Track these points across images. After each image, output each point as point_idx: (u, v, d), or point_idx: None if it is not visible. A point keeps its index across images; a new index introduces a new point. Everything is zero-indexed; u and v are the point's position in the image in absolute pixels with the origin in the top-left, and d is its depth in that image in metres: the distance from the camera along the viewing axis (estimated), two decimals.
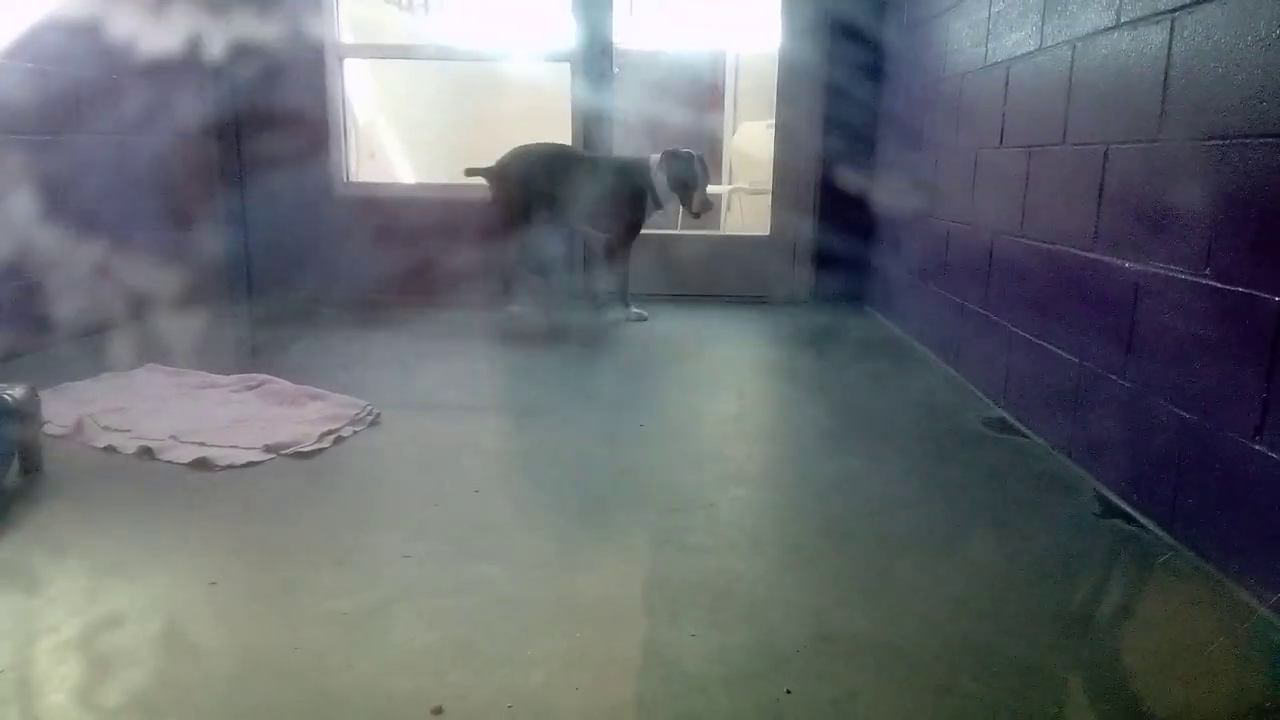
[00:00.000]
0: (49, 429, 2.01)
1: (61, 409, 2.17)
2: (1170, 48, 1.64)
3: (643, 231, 3.63)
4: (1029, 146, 2.25)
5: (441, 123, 5.44)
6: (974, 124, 2.65)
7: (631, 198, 3.44)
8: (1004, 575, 1.51)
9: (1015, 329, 2.31)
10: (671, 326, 3.51)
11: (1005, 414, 2.35)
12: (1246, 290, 1.43)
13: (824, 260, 3.99)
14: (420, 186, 4.45)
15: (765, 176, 4.19)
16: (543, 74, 4.47)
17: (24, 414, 1.81)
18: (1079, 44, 1.99)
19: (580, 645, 1.27)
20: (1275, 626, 1.31)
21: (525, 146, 3.61)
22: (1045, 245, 2.15)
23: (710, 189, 3.48)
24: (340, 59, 3.94)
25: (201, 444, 2.02)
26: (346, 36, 4.00)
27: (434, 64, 5.23)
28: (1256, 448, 1.39)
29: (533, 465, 2.07)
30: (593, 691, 1.16)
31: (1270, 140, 1.38)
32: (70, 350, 2.90)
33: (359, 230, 3.95)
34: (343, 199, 4.00)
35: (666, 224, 3.72)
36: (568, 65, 3.94)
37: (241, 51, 3.69)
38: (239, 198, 3.91)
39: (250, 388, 2.47)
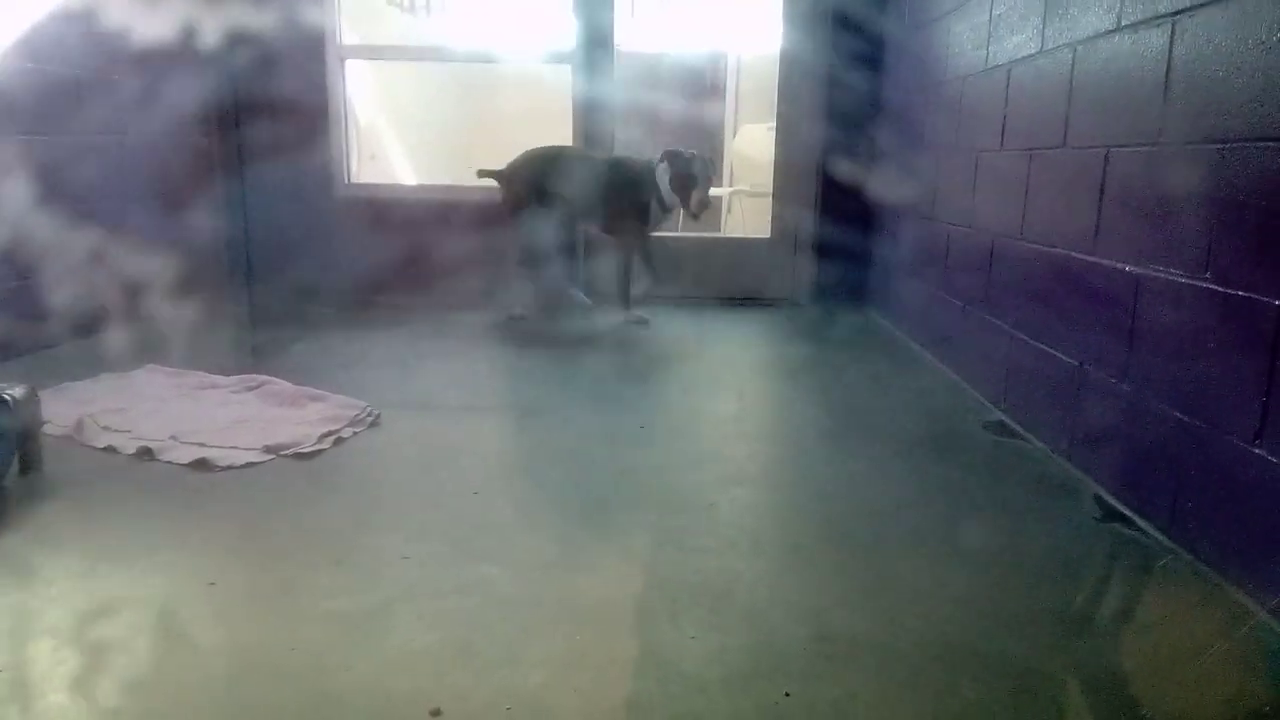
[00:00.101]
0: (49, 429, 2.01)
1: (61, 409, 2.17)
2: (1171, 51, 1.64)
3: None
4: (1029, 149, 2.25)
5: (442, 124, 5.45)
6: (974, 126, 2.65)
7: (637, 201, 3.44)
8: (1003, 577, 1.51)
9: (1015, 331, 2.31)
10: (672, 328, 3.51)
11: (1005, 416, 2.35)
12: (1246, 293, 1.43)
13: (824, 262, 3.99)
14: (421, 188, 4.45)
15: (766, 179, 4.19)
16: (544, 75, 4.47)
17: (24, 414, 1.81)
18: (1080, 47, 1.99)
19: (580, 646, 1.27)
20: (1274, 630, 1.31)
21: (536, 149, 3.63)
22: (1045, 248, 2.15)
23: (710, 191, 3.47)
24: (342, 60, 3.95)
25: (201, 444, 2.02)
26: (348, 37, 4.01)
27: (435, 65, 5.24)
28: (1256, 451, 1.39)
29: (533, 466, 2.08)
30: (592, 693, 1.16)
31: (1270, 144, 1.38)
32: (69, 348, 2.90)
33: (360, 231, 3.95)
34: (343, 200, 4.00)
35: (667, 226, 3.70)
36: (568, 66, 3.94)
37: (240, 47, 3.69)
38: (239, 201, 3.91)
39: (250, 388, 2.47)
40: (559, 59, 3.98)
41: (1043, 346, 2.14)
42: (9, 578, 1.47)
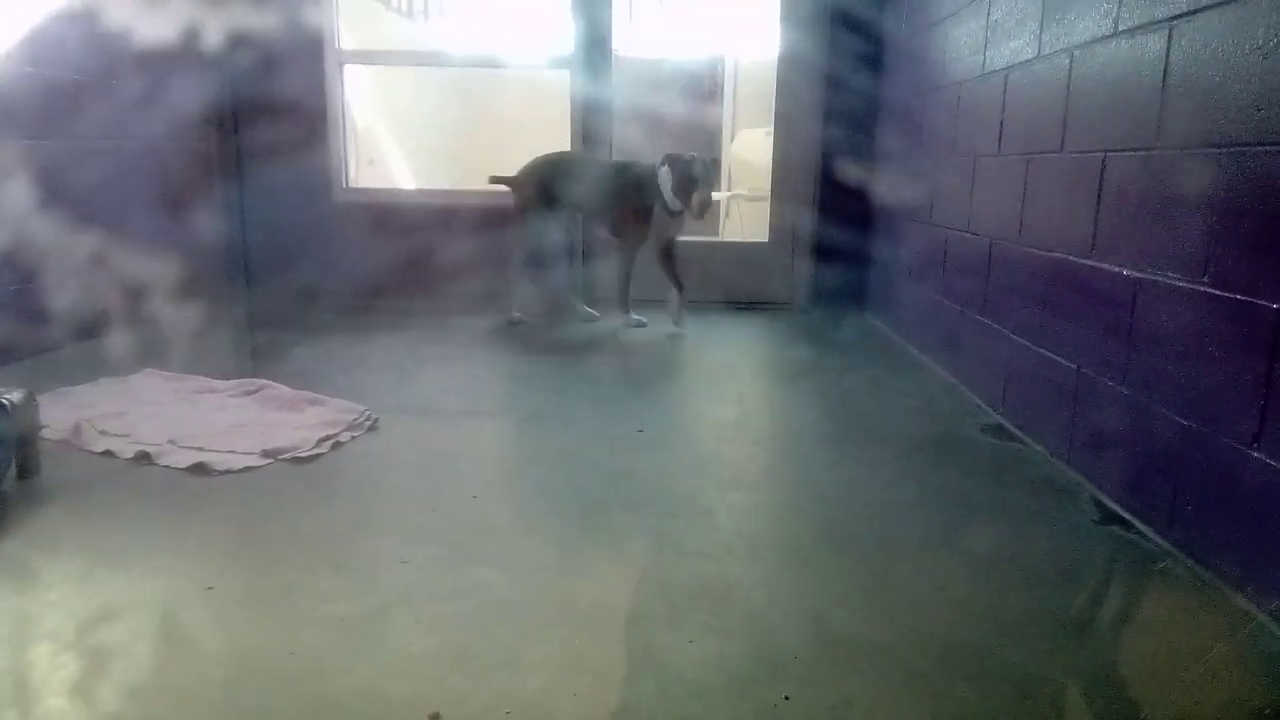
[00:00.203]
0: (47, 433, 2.01)
1: (59, 413, 2.17)
2: (1168, 56, 1.65)
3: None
4: (1027, 154, 2.26)
5: (441, 129, 5.45)
6: (972, 131, 2.65)
7: (641, 205, 3.44)
8: (1002, 581, 1.51)
9: (1014, 335, 2.31)
10: (671, 331, 3.51)
11: (1004, 420, 2.35)
12: (1244, 297, 1.43)
13: (823, 266, 4.00)
14: (420, 192, 4.45)
15: (764, 183, 4.20)
16: (542, 80, 4.48)
17: (22, 418, 1.81)
18: (1077, 52, 2.00)
19: (578, 650, 1.27)
20: (1273, 632, 1.31)
21: (547, 154, 3.66)
22: (1044, 252, 2.15)
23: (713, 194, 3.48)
24: (340, 65, 3.95)
25: (199, 449, 2.02)
26: (346, 42, 4.01)
27: (434, 70, 5.25)
28: (1254, 454, 1.39)
29: (531, 470, 2.07)
30: (590, 697, 1.16)
31: (1268, 148, 1.39)
32: (69, 352, 2.90)
33: (358, 235, 3.96)
34: (342, 204, 4.00)
35: (674, 230, 3.66)
36: (567, 71, 3.95)
37: (239, 52, 3.70)
38: (238, 205, 3.91)
39: (249, 393, 2.47)
40: (558, 64, 3.99)
41: (1041, 350, 2.14)
42: (7, 582, 1.46)
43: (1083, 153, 1.96)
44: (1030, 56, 2.24)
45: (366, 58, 4.37)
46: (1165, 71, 1.65)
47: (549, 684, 1.18)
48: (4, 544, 1.58)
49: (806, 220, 3.99)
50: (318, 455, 2.03)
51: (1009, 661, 1.25)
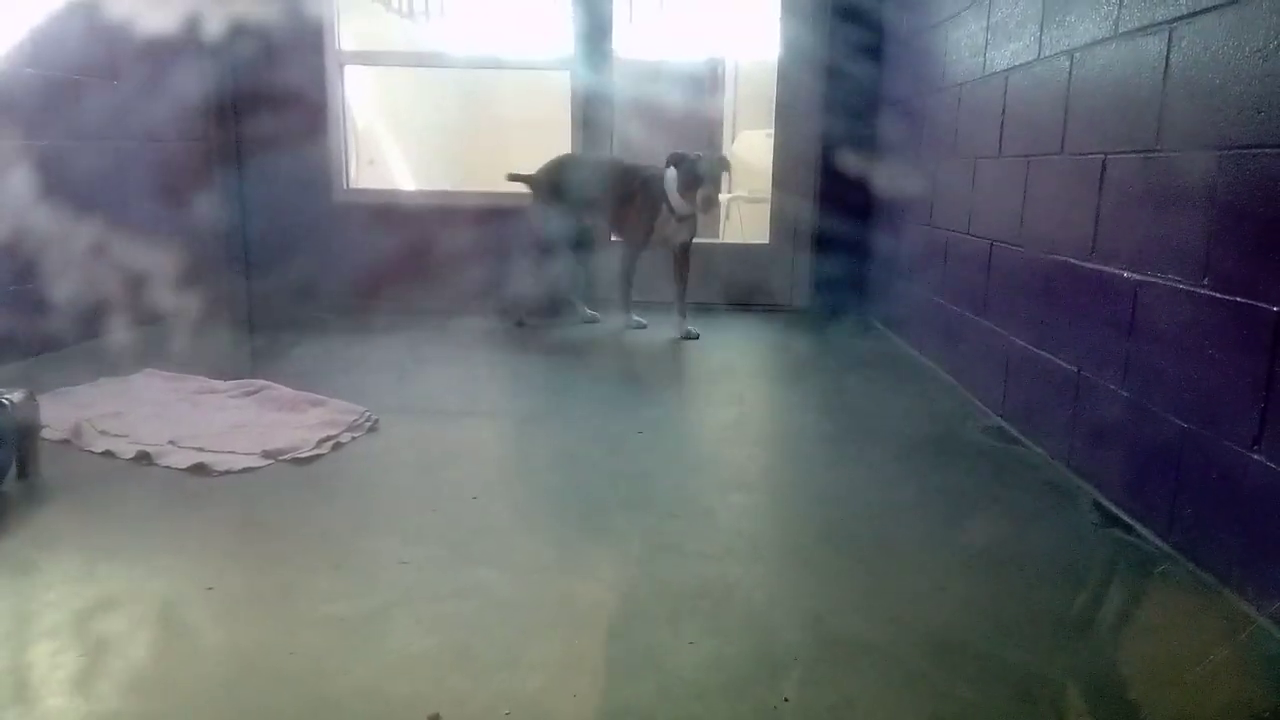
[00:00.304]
0: (47, 433, 2.01)
1: (60, 413, 2.17)
2: (1168, 58, 1.65)
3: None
4: (1027, 155, 2.26)
5: (441, 129, 5.46)
6: (972, 132, 2.65)
7: (644, 207, 3.43)
8: (1002, 582, 1.51)
9: (1014, 338, 2.31)
10: (671, 333, 3.51)
11: (1004, 423, 2.35)
12: (1245, 300, 1.43)
13: (823, 267, 4.00)
14: (420, 193, 4.45)
15: (764, 185, 4.20)
16: (543, 81, 4.48)
17: (22, 418, 1.81)
18: (1077, 54, 2.00)
19: (578, 651, 1.27)
20: (1273, 635, 1.31)
21: (564, 154, 3.68)
22: (1044, 255, 2.15)
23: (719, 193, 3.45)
24: (340, 66, 3.95)
25: (199, 449, 2.02)
26: (347, 43, 4.01)
27: (434, 71, 5.25)
28: (1255, 457, 1.39)
29: (531, 470, 2.07)
30: (591, 697, 1.16)
31: (1268, 150, 1.39)
32: (70, 351, 2.90)
33: (358, 235, 3.96)
34: (342, 204, 4.00)
35: (685, 233, 3.63)
36: (567, 72, 3.95)
37: (239, 58, 3.71)
38: (238, 208, 3.92)
39: (249, 393, 2.47)
40: (558, 65, 3.99)
41: (1042, 352, 2.15)
42: (8, 581, 1.46)
43: (1083, 154, 1.96)
44: (1031, 58, 2.24)
45: (367, 58, 4.37)
46: (1165, 74, 1.65)
47: (549, 684, 1.18)
48: (4, 543, 1.58)
49: (807, 219, 3.99)
50: (318, 456, 2.03)
51: (1009, 663, 1.25)
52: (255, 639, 1.29)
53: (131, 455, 1.99)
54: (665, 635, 1.30)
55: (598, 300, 3.84)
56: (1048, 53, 2.15)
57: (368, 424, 2.24)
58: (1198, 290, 1.55)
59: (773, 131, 4.10)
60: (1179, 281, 1.60)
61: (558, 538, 1.68)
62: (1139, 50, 1.75)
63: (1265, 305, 1.38)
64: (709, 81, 6.07)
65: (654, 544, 1.62)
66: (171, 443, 2.05)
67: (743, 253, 4.38)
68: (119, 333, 3.13)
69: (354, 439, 2.16)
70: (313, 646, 1.26)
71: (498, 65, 4.45)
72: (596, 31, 3.88)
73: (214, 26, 3.52)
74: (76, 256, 2.94)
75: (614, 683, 1.19)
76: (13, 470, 1.81)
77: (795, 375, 3.16)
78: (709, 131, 5.83)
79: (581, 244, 3.72)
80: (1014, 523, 1.78)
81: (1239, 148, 1.45)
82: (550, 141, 3.87)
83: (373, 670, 1.20)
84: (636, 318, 3.58)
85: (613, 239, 3.85)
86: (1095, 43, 1.92)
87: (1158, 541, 1.63)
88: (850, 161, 3.83)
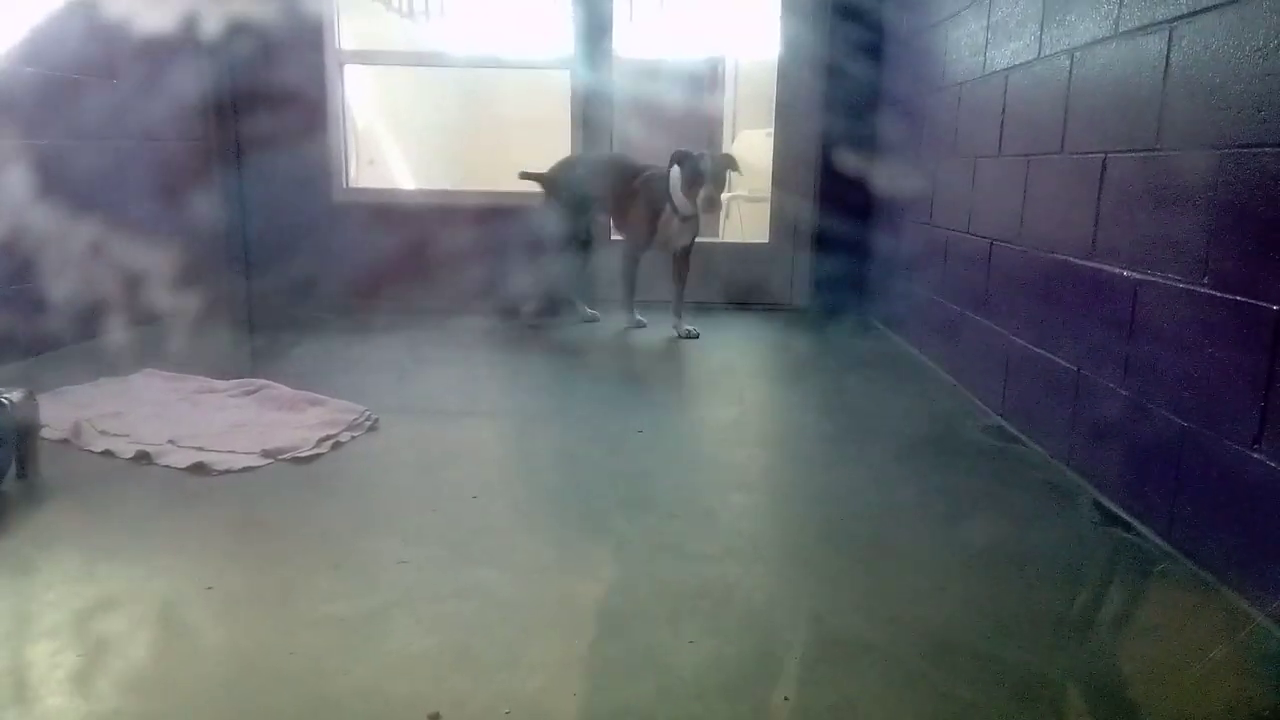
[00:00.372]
0: (47, 433, 2.01)
1: (59, 413, 2.16)
2: (1168, 57, 1.65)
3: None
4: (1027, 155, 2.26)
5: (441, 128, 5.45)
6: (972, 131, 2.65)
7: (647, 207, 3.41)
8: (1002, 581, 1.51)
9: (1014, 336, 2.31)
10: (671, 332, 3.50)
11: (1004, 422, 2.35)
12: (1245, 299, 1.43)
13: (823, 266, 4.00)
14: (420, 192, 4.45)
15: (764, 184, 4.20)
16: (543, 81, 4.48)
17: (22, 418, 1.81)
18: (1077, 53, 2.00)
19: (578, 651, 1.27)
20: (1273, 634, 1.31)
21: (575, 154, 3.68)
22: (1044, 254, 2.15)
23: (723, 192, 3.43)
24: (340, 65, 3.95)
25: (199, 449, 2.02)
26: (347, 43, 4.01)
27: (434, 70, 5.25)
28: (1255, 455, 1.39)
29: (531, 470, 2.07)
30: (591, 697, 1.16)
31: (1269, 149, 1.39)
32: (70, 350, 2.90)
33: (358, 235, 3.96)
34: (342, 204, 4.00)
35: (687, 234, 3.61)
36: (567, 72, 3.95)
37: (238, 59, 3.71)
38: (238, 208, 3.91)
39: (248, 393, 2.47)
40: (558, 64, 3.99)
41: (1041, 351, 2.14)
42: (7, 580, 1.46)
43: (1083, 154, 1.96)
44: (1031, 58, 2.24)
45: (367, 58, 4.37)
46: (1165, 73, 1.65)
47: (549, 684, 1.18)
48: (4, 542, 1.58)
49: (806, 218, 3.99)
50: (317, 455, 2.03)
51: (1009, 662, 1.25)
52: (255, 639, 1.29)
53: (131, 455, 1.99)
54: (665, 635, 1.30)
55: (597, 299, 3.84)
56: (1048, 52, 2.15)
57: (367, 423, 2.24)
58: (1198, 289, 1.55)
59: (772, 131, 4.10)
60: (1179, 280, 1.60)
61: (558, 537, 1.68)
62: (1139, 49, 1.75)
63: (1265, 304, 1.38)
64: (709, 81, 6.07)
65: (654, 544, 1.62)
66: (171, 442, 2.05)
67: (742, 252, 4.38)
68: (118, 332, 3.12)
69: (354, 438, 2.15)
70: (312, 646, 1.26)
71: (498, 64, 4.45)
72: (596, 30, 3.88)
73: (213, 25, 3.52)
74: (75, 256, 2.94)
75: (614, 682, 1.19)
76: (12, 470, 1.81)
77: (795, 374, 3.16)
78: (709, 131, 5.83)
79: (585, 243, 3.72)
80: (1014, 522, 1.78)
81: (1239, 147, 1.45)
82: (550, 141, 3.87)
83: (373, 670, 1.20)
84: (639, 317, 3.57)
85: (613, 237, 3.85)
86: (1095, 42, 1.92)
87: (1158, 540, 1.63)
88: (850, 161, 3.82)
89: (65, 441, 2.06)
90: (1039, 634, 1.34)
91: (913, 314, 3.31)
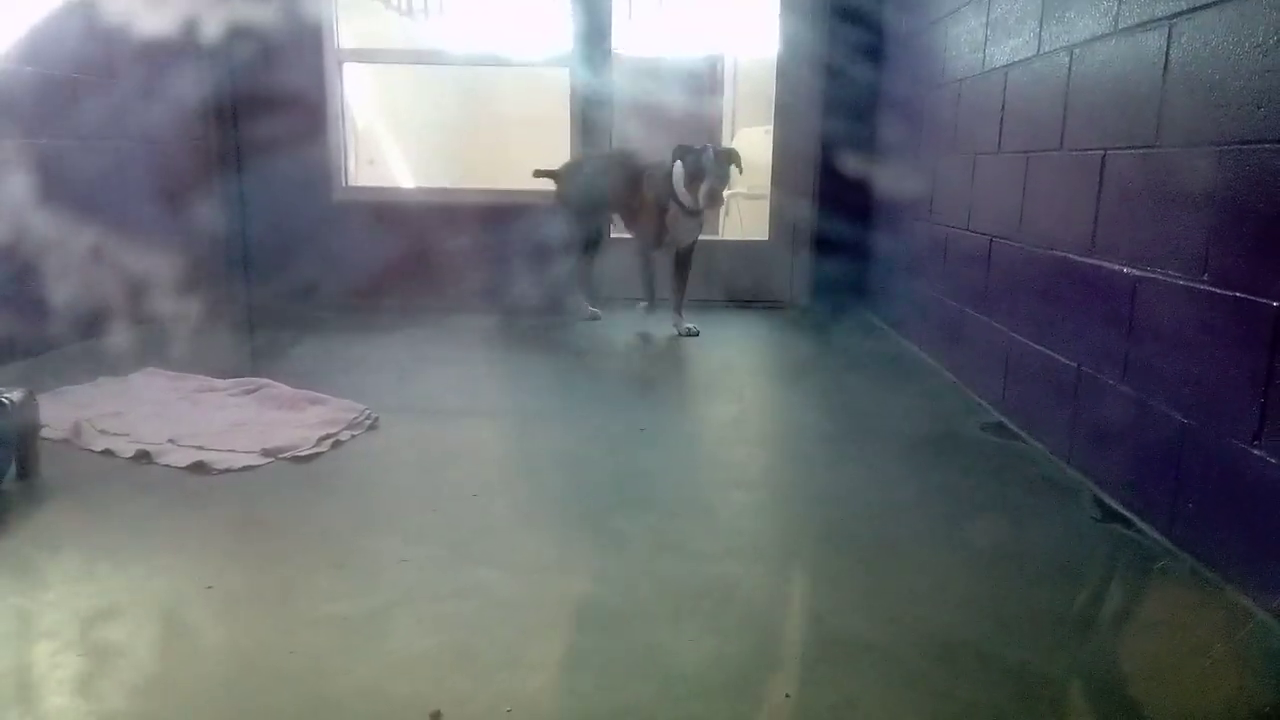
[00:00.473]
0: (46, 433, 2.00)
1: (59, 413, 2.16)
2: (1168, 54, 1.65)
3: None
4: (1027, 151, 2.26)
5: (440, 127, 5.45)
6: (972, 128, 2.65)
7: (657, 203, 3.37)
8: (1003, 579, 1.51)
9: (1014, 333, 2.31)
10: (671, 330, 3.50)
11: (1004, 418, 2.35)
12: (1245, 295, 1.43)
13: (823, 264, 4.00)
14: (419, 191, 4.45)
15: (764, 182, 4.20)
16: (542, 79, 4.48)
17: (22, 417, 1.81)
18: (1077, 50, 2.00)
19: (579, 650, 1.27)
20: (1274, 631, 1.31)
21: (588, 151, 3.68)
22: (1043, 250, 2.15)
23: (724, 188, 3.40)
24: (339, 63, 3.95)
25: (199, 448, 2.02)
26: (345, 41, 4.01)
27: (433, 69, 5.25)
28: (1255, 452, 1.39)
29: (532, 469, 2.07)
30: (592, 696, 1.16)
31: (1268, 145, 1.38)
32: (70, 350, 2.90)
33: (358, 234, 3.96)
34: (341, 203, 4.00)
35: (691, 230, 3.56)
36: (566, 70, 3.95)
37: (238, 56, 3.70)
38: (237, 206, 3.91)
39: (249, 392, 2.46)
40: (557, 62, 3.99)
41: (1041, 348, 2.14)
42: (7, 580, 1.46)
43: (1083, 150, 1.96)
44: (1030, 54, 2.24)
45: (366, 56, 4.36)
46: (1165, 69, 1.65)
47: (550, 683, 1.18)
48: (4, 543, 1.58)
49: (806, 216, 3.99)
50: (318, 454, 2.03)
51: (1010, 660, 1.25)
52: (255, 638, 1.29)
53: (131, 454, 1.99)
54: (666, 634, 1.30)
55: (602, 299, 3.83)
56: (1047, 48, 2.15)
57: (368, 422, 2.24)
58: (1197, 285, 1.55)
59: (771, 129, 4.09)
60: (1179, 277, 1.60)
61: (558, 537, 1.68)
62: (1139, 46, 1.74)
63: (1265, 300, 1.38)
64: (708, 78, 6.07)
65: (655, 543, 1.62)
66: (171, 441, 2.05)
67: (742, 249, 4.37)
68: (118, 333, 3.12)
69: (354, 437, 2.15)
70: (313, 646, 1.26)
71: (497, 63, 4.44)
72: (596, 29, 3.87)
73: (212, 24, 3.52)
74: (75, 256, 2.93)
75: (615, 681, 1.19)
76: (12, 470, 1.81)
77: (795, 372, 3.16)
78: (708, 129, 5.82)
79: (594, 241, 3.70)
80: (1014, 520, 1.78)
81: (1238, 143, 1.45)
82: (549, 139, 3.86)
83: (373, 670, 1.20)
84: (688, 324, 3.47)
85: (614, 235, 3.83)
86: (1095, 38, 1.91)
87: (1158, 537, 1.63)
88: (849, 158, 3.82)
89: (65, 441, 2.06)
90: (1040, 631, 1.34)
91: (913, 311, 3.31)
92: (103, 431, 2.11)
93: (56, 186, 2.87)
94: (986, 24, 2.54)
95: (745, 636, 1.31)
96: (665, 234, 3.39)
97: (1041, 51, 2.18)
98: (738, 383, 2.99)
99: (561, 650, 1.27)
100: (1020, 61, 2.30)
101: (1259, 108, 1.41)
